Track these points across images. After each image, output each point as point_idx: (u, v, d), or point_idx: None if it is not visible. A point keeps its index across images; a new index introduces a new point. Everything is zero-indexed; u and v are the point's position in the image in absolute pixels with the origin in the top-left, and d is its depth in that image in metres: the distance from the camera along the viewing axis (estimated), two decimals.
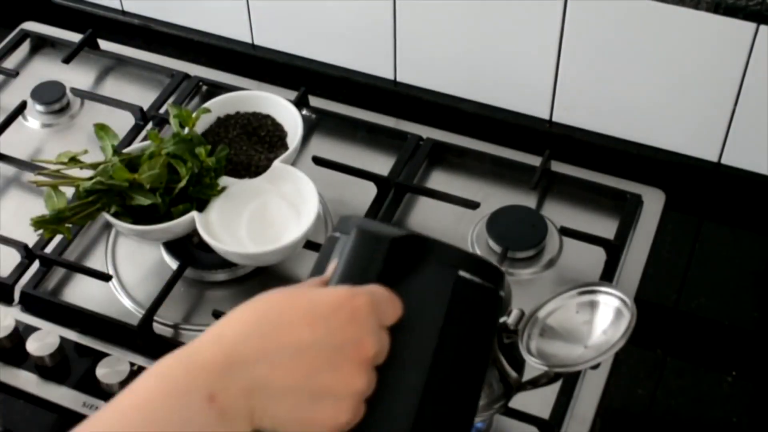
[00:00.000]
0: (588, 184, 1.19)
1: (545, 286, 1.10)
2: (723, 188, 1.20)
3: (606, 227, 1.15)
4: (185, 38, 1.41)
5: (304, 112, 1.28)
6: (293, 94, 1.27)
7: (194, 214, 1.07)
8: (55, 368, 1.05)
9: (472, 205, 1.15)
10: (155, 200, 1.05)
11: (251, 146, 1.16)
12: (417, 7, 1.22)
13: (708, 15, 1.06)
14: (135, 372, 1.02)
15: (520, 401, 0.91)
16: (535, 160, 1.21)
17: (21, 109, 1.31)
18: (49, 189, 1.07)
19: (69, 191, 1.08)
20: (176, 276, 1.10)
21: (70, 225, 1.06)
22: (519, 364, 0.88)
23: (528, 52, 1.20)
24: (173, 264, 1.13)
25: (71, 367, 1.05)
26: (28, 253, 1.14)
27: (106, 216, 1.07)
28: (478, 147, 1.24)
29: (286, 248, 1.05)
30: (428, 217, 1.18)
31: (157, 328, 1.07)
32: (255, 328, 0.60)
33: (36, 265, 1.14)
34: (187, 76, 1.34)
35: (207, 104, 1.17)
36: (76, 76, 1.37)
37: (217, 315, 1.05)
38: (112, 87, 1.36)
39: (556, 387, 0.99)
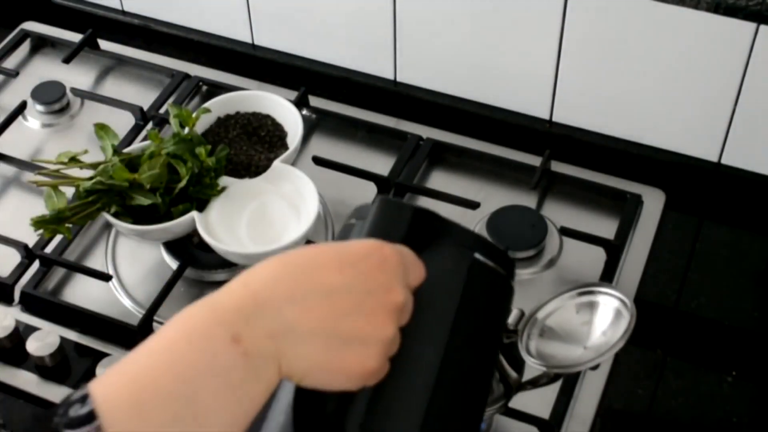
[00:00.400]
0: (588, 184, 1.19)
1: (545, 286, 1.10)
2: (723, 188, 1.20)
3: (606, 227, 1.15)
4: (185, 38, 1.41)
5: (304, 112, 1.28)
6: (293, 94, 1.27)
7: (194, 214, 1.07)
8: (55, 368, 1.05)
9: (472, 205, 1.15)
10: (155, 200, 1.05)
11: (251, 146, 1.16)
12: (417, 7, 1.22)
13: (708, 15, 1.06)
14: None
15: (520, 401, 0.91)
16: (535, 160, 1.21)
17: (21, 109, 1.31)
18: (49, 189, 1.07)
19: (69, 191, 1.08)
20: (176, 276, 1.10)
21: (70, 225, 1.06)
22: (519, 364, 0.88)
23: (528, 52, 1.20)
24: (173, 264, 1.13)
25: (71, 367, 1.05)
26: (28, 253, 1.14)
27: (106, 216, 1.07)
28: (478, 147, 1.24)
29: (286, 248, 1.05)
30: None
31: (157, 328, 1.07)
32: (283, 273, 0.59)
33: (36, 265, 1.14)
34: (187, 76, 1.34)
35: (207, 104, 1.17)
36: (76, 76, 1.37)
37: None
38: (112, 87, 1.36)
39: (556, 387, 0.99)
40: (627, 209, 1.16)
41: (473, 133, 1.26)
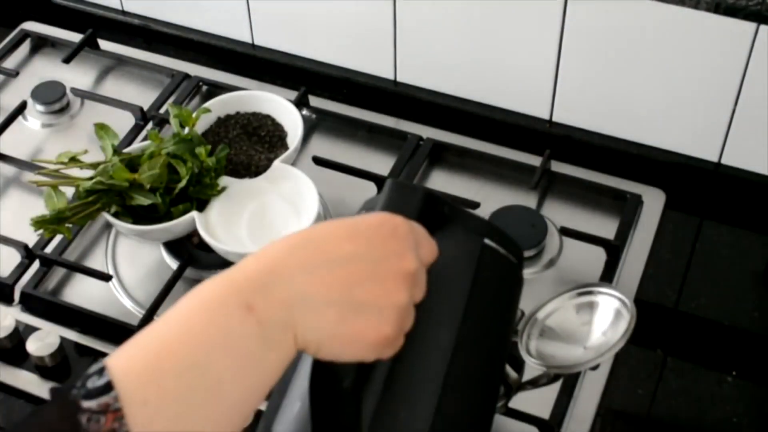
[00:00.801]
0: (588, 184, 1.19)
1: (545, 286, 1.10)
2: (723, 188, 1.20)
3: (606, 227, 1.15)
4: (185, 38, 1.41)
5: (304, 112, 1.28)
6: (293, 94, 1.27)
7: (194, 214, 1.07)
8: (55, 368, 1.05)
9: (472, 205, 1.15)
10: (155, 200, 1.05)
11: (251, 146, 1.16)
12: (417, 7, 1.22)
13: (708, 15, 1.06)
14: None
15: (520, 401, 0.91)
16: (535, 160, 1.21)
17: (21, 109, 1.31)
18: (49, 189, 1.07)
19: (69, 191, 1.08)
20: (176, 276, 1.10)
21: (70, 225, 1.06)
22: (519, 364, 0.88)
23: (528, 52, 1.20)
24: (173, 264, 1.13)
25: (71, 367, 1.05)
26: (28, 253, 1.14)
27: (106, 216, 1.07)
28: (478, 147, 1.24)
29: None
30: None
31: None
32: (296, 246, 0.60)
33: (36, 265, 1.14)
34: (187, 76, 1.34)
35: (207, 104, 1.17)
36: (76, 76, 1.37)
37: None
38: (112, 87, 1.36)
39: (556, 387, 0.99)
40: (627, 209, 1.16)
41: (473, 133, 1.26)
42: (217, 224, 1.08)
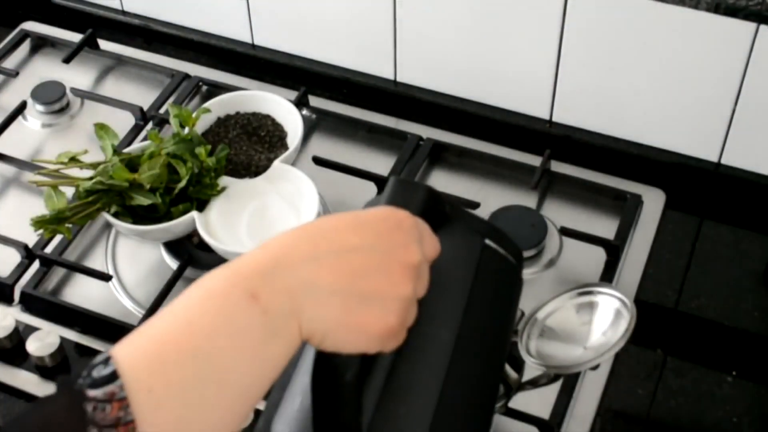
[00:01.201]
0: (588, 184, 1.19)
1: (545, 286, 1.10)
2: (723, 188, 1.20)
3: (606, 227, 1.15)
4: (185, 38, 1.41)
5: (304, 112, 1.28)
6: (293, 94, 1.27)
7: (194, 214, 1.07)
8: (55, 368, 1.05)
9: (472, 205, 1.15)
10: (155, 200, 1.05)
11: (251, 146, 1.16)
12: (417, 7, 1.22)
13: (708, 15, 1.06)
14: None
15: (520, 401, 0.91)
16: (535, 160, 1.21)
17: (21, 109, 1.31)
18: (49, 189, 1.07)
19: (69, 191, 1.08)
20: (176, 276, 1.10)
21: (70, 225, 1.06)
22: (519, 365, 0.88)
23: (528, 52, 1.20)
24: (173, 264, 1.13)
25: (71, 367, 1.05)
26: (28, 253, 1.14)
27: (106, 216, 1.07)
28: (478, 147, 1.24)
29: None
30: None
31: None
32: (301, 237, 0.60)
33: (36, 265, 1.14)
34: (187, 76, 1.34)
35: (207, 104, 1.17)
36: (76, 76, 1.37)
37: None
38: (112, 87, 1.36)
39: (556, 387, 0.99)
40: (627, 209, 1.16)
41: (473, 133, 1.26)
42: (217, 224, 1.08)
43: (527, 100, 1.25)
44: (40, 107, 1.32)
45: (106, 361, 0.54)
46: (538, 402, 0.98)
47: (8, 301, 1.12)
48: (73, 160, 1.10)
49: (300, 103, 1.26)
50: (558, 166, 1.21)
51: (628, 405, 1.02)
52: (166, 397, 0.54)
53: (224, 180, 1.11)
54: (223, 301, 0.57)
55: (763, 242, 1.15)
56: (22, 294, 1.11)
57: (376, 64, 1.31)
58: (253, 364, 0.57)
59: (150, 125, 1.28)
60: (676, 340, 1.07)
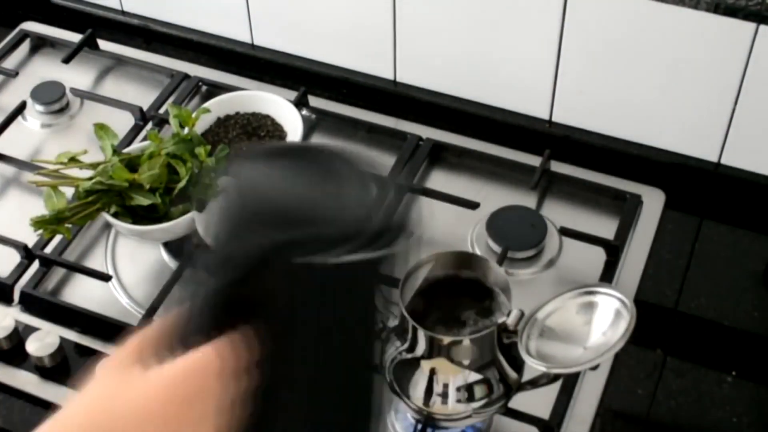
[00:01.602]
0: (588, 184, 1.19)
1: (545, 286, 1.10)
2: (723, 188, 1.20)
3: (606, 227, 1.15)
4: (185, 38, 1.41)
5: (304, 112, 1.28)
6: (293, 94, 1.27)
7: (194, 214, 1.07)
8: (55, 368, 1.05)
9: (472, 205, 1.15)
10: (155, 200, 1.05)
11: None
12: (417, 7, 1.22)
13: (708, 15, 1.06)
14: None
15: (520, 401, 0.91)
16: (535, 160, 1.21)
17: (21, 109, 1.31)
18: (49, 189, 1.07)
19: (69, 191, 1.08)
20: (176, 276, 1.10)
21: (69, 225, 1.06)
22: (519, 365, 0.88)
23: (528, 52, 1.20)
24: (173, 264, 1.13)
25: (71, 367, 1.05)
26: (28, 253, 1.14)
27: (106, 216, 1.07)
28: (478, 147, 1.24)
29: None
30: (428, 218, 1.18)
31: None
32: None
33: (36, 265, 1.14)
34: (187, 76, 1.34)
35: (207, 104, 1.17)
36: (76, 76, 1.37)
37: None
38: (112, 87, 1.36)
39: (556, 387, 0.99)
40: (627, 209, 1.16)
41: (473, 133, 1.26)
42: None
43: (527, 100, 1.25)
44: (39, 107, 1.32)
45: None
46: (538, 402, 0.98)
47: (8, 301, 1.12)
48: (73, 160, 1.10)
49: (300, 103, 1.26)
50: (558, 166, 1.21)
51: (628, 405, 1.02)
52: None
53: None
54: None
55: (763, 242, 1.15)
56: (22, 294, 1.11)
57: (375, 64, 1.31)
58: None
59: (150, 125, 1.28)
60: (676, 340, 1.07)
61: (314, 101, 1.30)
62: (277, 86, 1.32)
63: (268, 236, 0.59)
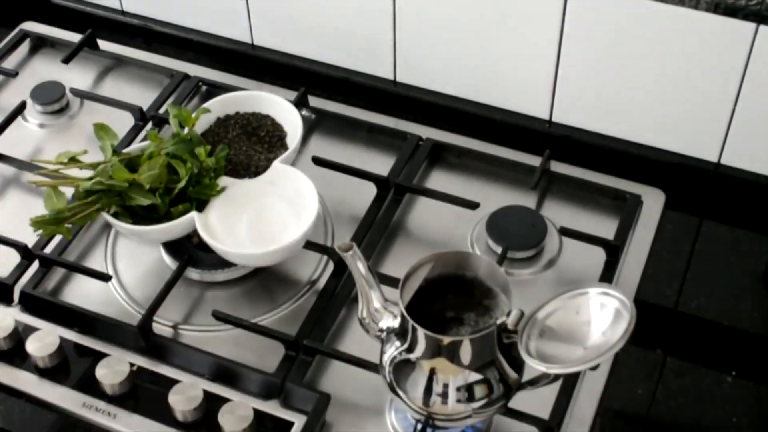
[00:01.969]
0: (588, 184, 1.19)
1: (545, 286, 1.10)
2: (723, 188, 1.20)
3: (606, 227, 1.15)
4: (185, 38, 1.41)
5: (304, 112, 1.28)
6: (293, 94, 1.27)
7: (194, 214, 1.07)
8: (54, 368, 1.04)
9: (472, 205, 1.15)
10: (155, 200, 1.05)
11: (251, 146, 1.16)
12: (417, 7, 1.22)
13: (708, 15, 1.06)
14: (134, 372, 1.02)
15: (520, 401, 0.91)
16: (535, 160, 1.21)
17: (21, 109, 1.31)
18: (49, 189, 1.06)
19: (68, 191, 1.08)
20: (176, 276, 1.10)
21: (69, 225, 1.06)
22: (518, 365, 0.88)
23: (528, 52, 1.20)
24: (173, 264, 1.13)
25: (71, 367, 1.05)
26: (28, 254, 1.14)
27: (106, 216, 1.07)
28: (478, 147, 1.24)
29: (286, 248, 1.05)
30: (428, 218, 1.18)
31: (157, 328, 1.07)
32: None
33: (36, 265, 1.14)
34: (187, 76, 1.34)
35: (207, 104, 1.17)
36: (76, 76, 1.37)
37: (217, 315, 1.05)
38: (112, 87, 1.36)
39: (556, 387, 0.99)
40: (627, 209, 1.16)
41: (473, 133, 1.26)
42: (217, 224, 1.08)
43: (527, 100, 1.25)
44: (39, 107, 1.32)
45: None
46: (538, 402, 0.98)
47: (8, 301, 1.12)
48: (73, 160, 1.10)
49: (299, 103, 1.26)
50: (558, 166, 1.21)
51: (628, 405, 1.02)
52: None
53: (224, 180, 1.11)
54: None
55: (763, 242, 1.15)
56: (22, 294, 1.11)
57: (376, 64, 1.31)
58: None
59: (149, 125, 1.28)
60: (676, 340, 1.07)
61: (314, 101, 1.30)
62: (277, 86, 1.32)
63: None
